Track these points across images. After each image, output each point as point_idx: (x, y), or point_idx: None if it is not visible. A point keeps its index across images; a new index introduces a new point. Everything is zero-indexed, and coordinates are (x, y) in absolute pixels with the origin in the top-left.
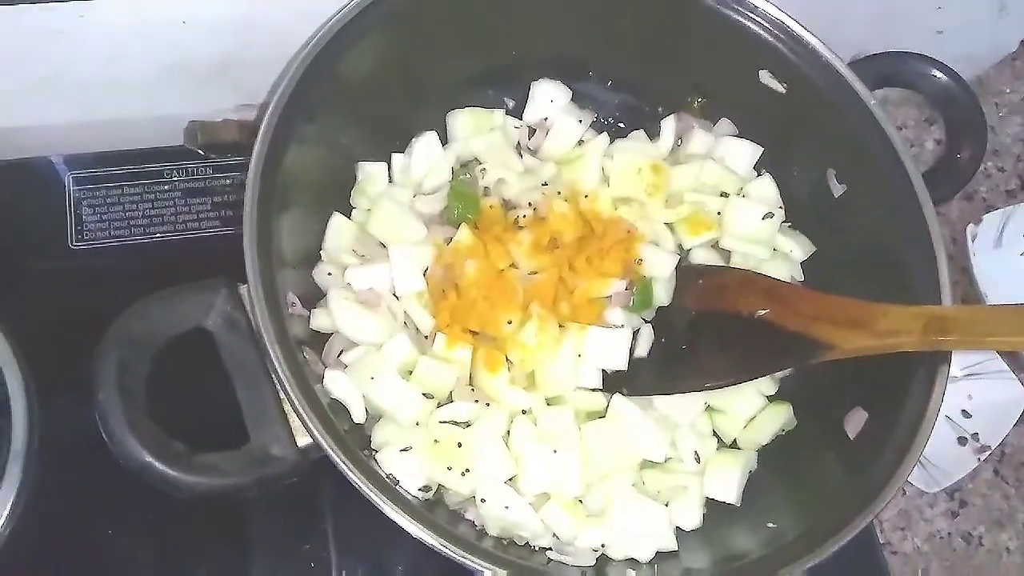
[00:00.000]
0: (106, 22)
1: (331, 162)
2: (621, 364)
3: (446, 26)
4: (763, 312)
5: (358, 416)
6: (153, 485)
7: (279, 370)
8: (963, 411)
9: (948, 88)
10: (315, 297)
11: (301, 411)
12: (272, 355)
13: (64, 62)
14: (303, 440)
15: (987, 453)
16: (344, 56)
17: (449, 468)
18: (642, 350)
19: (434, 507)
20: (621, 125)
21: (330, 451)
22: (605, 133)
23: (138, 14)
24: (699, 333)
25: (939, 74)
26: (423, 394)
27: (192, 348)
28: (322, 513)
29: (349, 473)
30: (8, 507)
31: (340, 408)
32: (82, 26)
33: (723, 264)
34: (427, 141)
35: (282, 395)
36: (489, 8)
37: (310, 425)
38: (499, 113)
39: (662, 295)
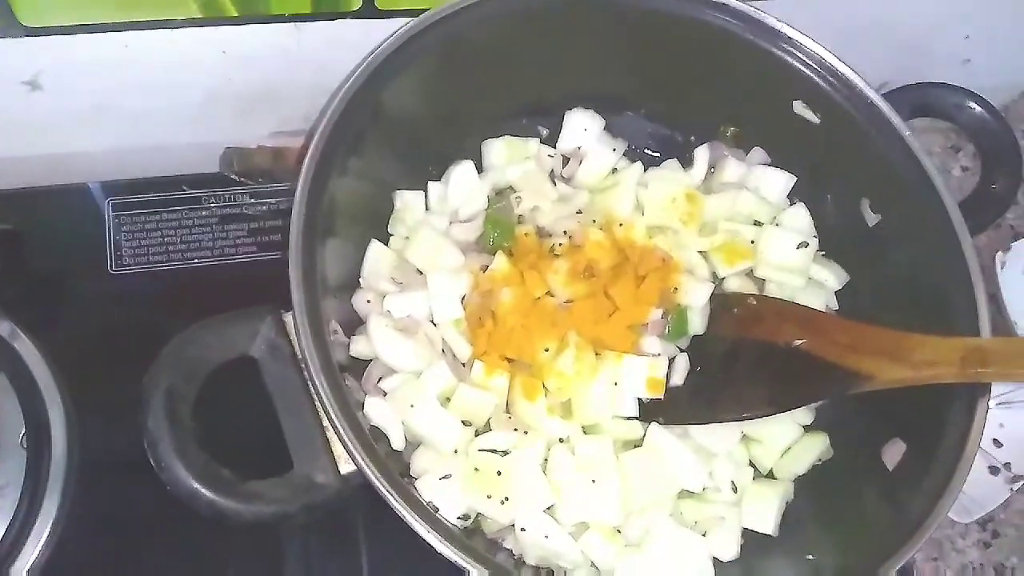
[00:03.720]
0: (148, 52)
1: (370, 190)
2: (657, 393)
3: (484, 61)
4: (799, 342)
5: (397, 443)
6: (200, 512)
7: (324, 398)
8: (995, 440)
9: (983, 119)
10: (354, 324)
11: (346, 439)
12: (317, 383)
13: (106, 92)
14: (346, 467)
15: (1020, 483)
16: (386, 88)
17: (489, 496)
18: (678, 379)
19: (472, 535)
20: (654, 154)
21: (373, 479)
22: (639, 162)
23: (179, 44)
24: (735, 362)
25: (974, 105)
26: (462, 422)
27: (233, 375)
28: (357, 543)
29: (392, 501)
30: (47, 530)
31: (379, 434)
32: (125, 56)
33: (758, 293)
34: (463, 170)
35: (325, 422)
36: (528, 44)
37: (355, 453)
38: (533, 142)
39: (697, 324)
